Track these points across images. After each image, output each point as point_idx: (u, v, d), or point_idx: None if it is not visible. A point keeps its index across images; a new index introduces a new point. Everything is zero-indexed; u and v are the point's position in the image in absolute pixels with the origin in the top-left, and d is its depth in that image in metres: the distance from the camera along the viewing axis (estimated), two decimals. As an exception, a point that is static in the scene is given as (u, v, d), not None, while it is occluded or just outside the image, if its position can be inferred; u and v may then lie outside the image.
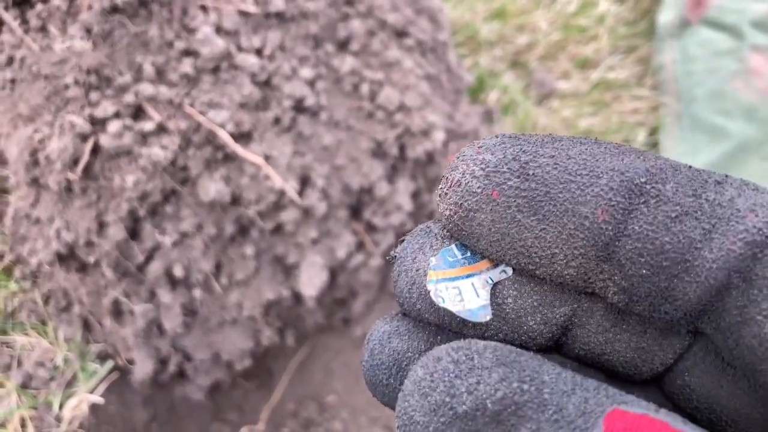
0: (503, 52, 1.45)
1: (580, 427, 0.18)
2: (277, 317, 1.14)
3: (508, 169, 0.23)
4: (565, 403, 0.19)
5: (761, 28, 1.30)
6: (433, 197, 1.15)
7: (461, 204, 0.23)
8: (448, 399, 0.20)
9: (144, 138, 0.89)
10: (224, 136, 0.91)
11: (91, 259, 0.96)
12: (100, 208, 0.92)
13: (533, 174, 0.22)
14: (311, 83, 1.02)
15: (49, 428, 1.03)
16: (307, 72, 1.00)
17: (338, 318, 1.25)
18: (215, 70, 0.93)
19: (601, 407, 0.19)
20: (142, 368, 1.06)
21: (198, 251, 0.99)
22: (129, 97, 0.88)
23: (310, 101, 1.00)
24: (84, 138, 0.87)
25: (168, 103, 0.90)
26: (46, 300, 1.10)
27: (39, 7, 0.92)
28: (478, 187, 0.23)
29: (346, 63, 1.03)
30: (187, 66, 0.91)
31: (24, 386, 1.06)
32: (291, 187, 0.96)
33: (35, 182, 0.95)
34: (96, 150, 0.89)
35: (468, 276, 0.25)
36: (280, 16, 1.01)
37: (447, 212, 0.24)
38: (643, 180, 0.21)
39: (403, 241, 0.27)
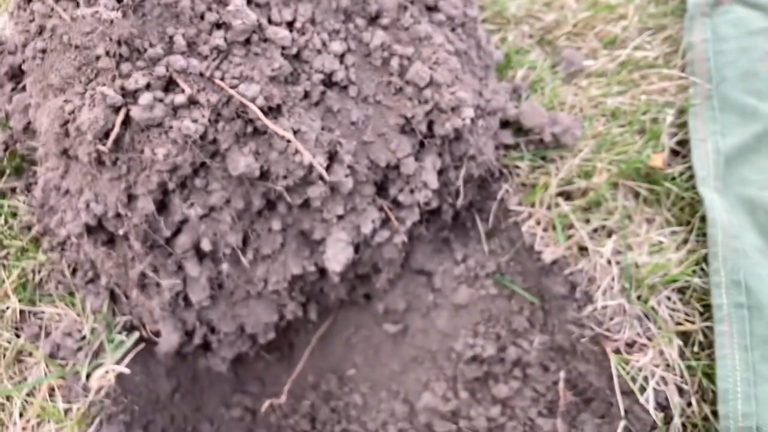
0: (531, 29, 1.43)
1: None
2: (301, 291, 1.15)
3: None
4: None
5: (795, 7, 1.28)
6: (460, 174, 1.14)
7: None
8: None
9: (175, 111, 0.89)
10: (255, 110, 0.90)
11: (120, 232, 0.97)
12: (129, 181, 0.92)
13: None
14: (341, 57, 1.01)
15: (77, 397, 1.04)
16: (337, 46, 0.99)
17: (360, 293, 1.26)
18: (246, 42, 0.92)
19: None
20: (168, 340, 1.07)
21: (226, 225, 0.99)
22: (160, 69, 0.88)
23: (339, 75, 1.00)
24: (115, 109, 0.87)
25: (199, 76, 0.90)
26: (74, 272, 1.11)
27: (69, -24, 0.91)
28: None
29: (376, 37, 1.02)
30: (218, 38, 0.90)
31: (52, 356, 1.07)
32: (319, 163, 0.95)
33: (65, 153, 0.95)
34: (126, 122, 0.88)
35: None
36: (310, -11, 1.00)
37: None
38: None
39: None
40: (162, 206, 0.96)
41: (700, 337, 1.04)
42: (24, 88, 1.13)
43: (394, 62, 1.03)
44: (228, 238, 1.01)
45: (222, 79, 0.91)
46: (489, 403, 1.22)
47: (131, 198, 0.94)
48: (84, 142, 0.89)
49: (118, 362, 1.06)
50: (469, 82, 1.10)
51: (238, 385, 1.28)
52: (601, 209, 1.15)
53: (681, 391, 1.03)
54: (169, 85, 0.90)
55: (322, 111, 0.99)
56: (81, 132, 0.88)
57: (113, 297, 1.10)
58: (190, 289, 1.03)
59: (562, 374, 1.15)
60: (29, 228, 1.12)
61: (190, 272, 1.01)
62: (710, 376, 1.00)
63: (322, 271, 1.11)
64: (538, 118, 1.19)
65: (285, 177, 0.96)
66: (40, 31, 0.92)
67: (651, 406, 1.00)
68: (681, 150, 1.20)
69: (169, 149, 0.89)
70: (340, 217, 1.05)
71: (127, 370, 1.06)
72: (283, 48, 0.95)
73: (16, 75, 1.18)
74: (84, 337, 1.09)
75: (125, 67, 0.88)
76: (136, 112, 0.86)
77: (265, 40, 0.93)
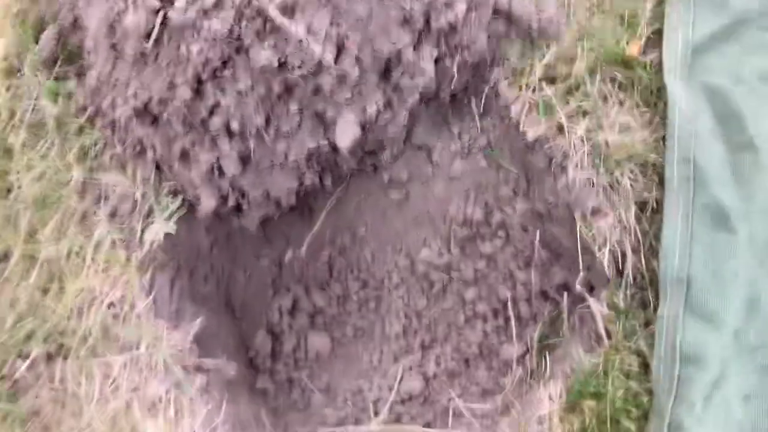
0: None
1: None
2: (317, 163, 1.33)
3: None
4: None
5: None
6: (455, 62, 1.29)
7: None
8: None
9: (205, 12, 1.04)
10: (272, 10, 1.05)
11: (164, 115, 1.15)
12: (169, 73, 1.09)
13: None
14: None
15: (135, 249, 1.27)
16: (342, -52, 1.11)
17: (369, 165, 1.45)
18: (263, -51, 1.05)
19: None
20: (206, 204, 1.27)
21: (251, 108, 1.17)
22: (191, -24, 1.02)
23: (346, -25, 1.12)
24: (155, 12, 1.02)
25: (224, -19, 1.04)
26: (124, 147, 1.30)
27: None
28: None
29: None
30: (238, -53, 1.03)
31: (112, 215, 1.28)
32: (328, 55, 1.11)
33: (113, 48, 1.11)
34: (164, 23, 1.04)
35: None
36: None
37: None
38: None
39: None
40: (197, 93, 1.14)
41: (654, 205, 1.22)
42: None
43: (395, -39, 1.15)
44: (253, 119, 1.18)
45: (243, -17, 1.05)
46: (476, 257, 1.45)
47: (172, 86, 1.12)
48: (129, 40, 1.05)
49: (166, 221, 1.28)
50: (462, -22, 1.22)
51: (266, 241, 1.51)
52: (579, 92, 1.30)
53: (634, 251, 1.22)
54: (199, -11, 1.04)
55: (331, 9, 1.13)
56: (126, 32, 1.04)
57: (158, 168, 1.30)
58: (224, 162, 1.23)
59: (537, 235, 1.37)
60: (84, 109, 1.30)
61: (223, 147, 1.21)
62: (658, 237, 1.19)
63: (334, 147, 1.29)
64: (526, 9, 1.30)
65: (300, 67, 1.12)
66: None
67: (605, 261, 1.21)
68: (658, 39, 1.32)
69: (202, 45, 1.05)
70: (348, 101, 1.21)
71: (174, 228, 1.28)
72: (296, -47, 1.07)
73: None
74: (136, 201, 1.29)
75: (162, -26, 1.02)
76: (173, 14, 1.02)
77: (280, -54, 1.06)
